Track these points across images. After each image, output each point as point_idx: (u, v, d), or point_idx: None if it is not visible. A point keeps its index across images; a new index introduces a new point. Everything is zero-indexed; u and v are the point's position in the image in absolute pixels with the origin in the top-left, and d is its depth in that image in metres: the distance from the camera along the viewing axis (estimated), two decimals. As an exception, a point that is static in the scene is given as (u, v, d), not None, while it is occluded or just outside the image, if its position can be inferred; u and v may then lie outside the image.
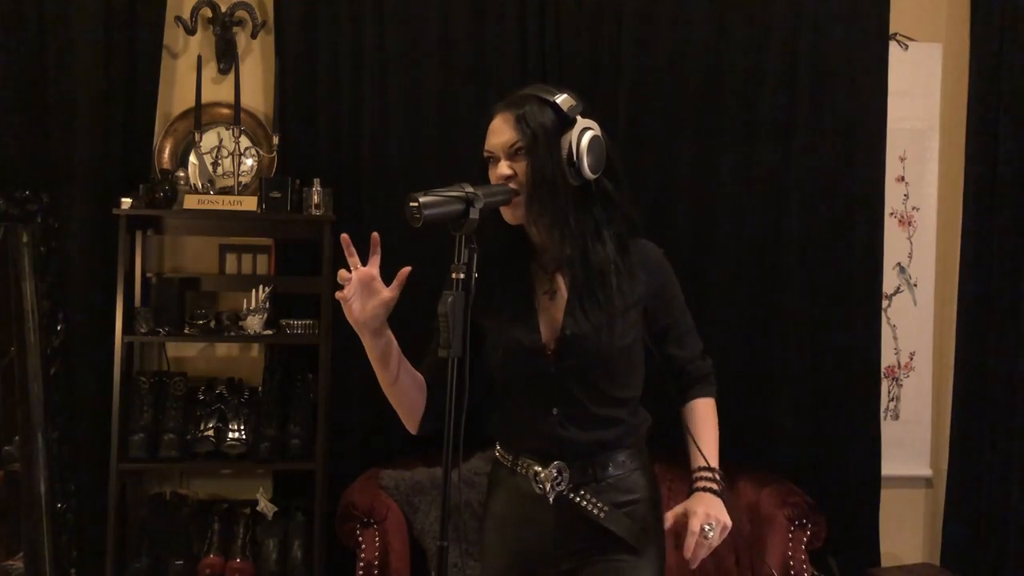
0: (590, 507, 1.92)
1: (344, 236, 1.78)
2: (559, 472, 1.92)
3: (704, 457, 1.95)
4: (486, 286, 1.83)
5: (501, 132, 1.90)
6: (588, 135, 1.86)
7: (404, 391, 1.93)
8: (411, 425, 1.99)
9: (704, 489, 1.91)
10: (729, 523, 1.88)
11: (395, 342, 1.85)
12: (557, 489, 1.92)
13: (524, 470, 1.96)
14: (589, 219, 1.90)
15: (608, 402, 1.93)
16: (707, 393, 2.04)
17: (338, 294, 1.76)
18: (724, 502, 1.91)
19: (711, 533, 1.84)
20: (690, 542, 1.84)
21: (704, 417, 2.01)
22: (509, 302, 1.95)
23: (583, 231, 1.89)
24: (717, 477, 1.92)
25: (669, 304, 2.01)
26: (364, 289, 1.77)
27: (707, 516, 1.86)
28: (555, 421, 1.92)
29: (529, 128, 1.86)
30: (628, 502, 1.95)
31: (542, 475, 1.93)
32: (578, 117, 1.88)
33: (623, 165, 1.98)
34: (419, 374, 1.94)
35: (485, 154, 1.93)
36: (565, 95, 1.89)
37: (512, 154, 1.88)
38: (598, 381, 1.92)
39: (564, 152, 1.86)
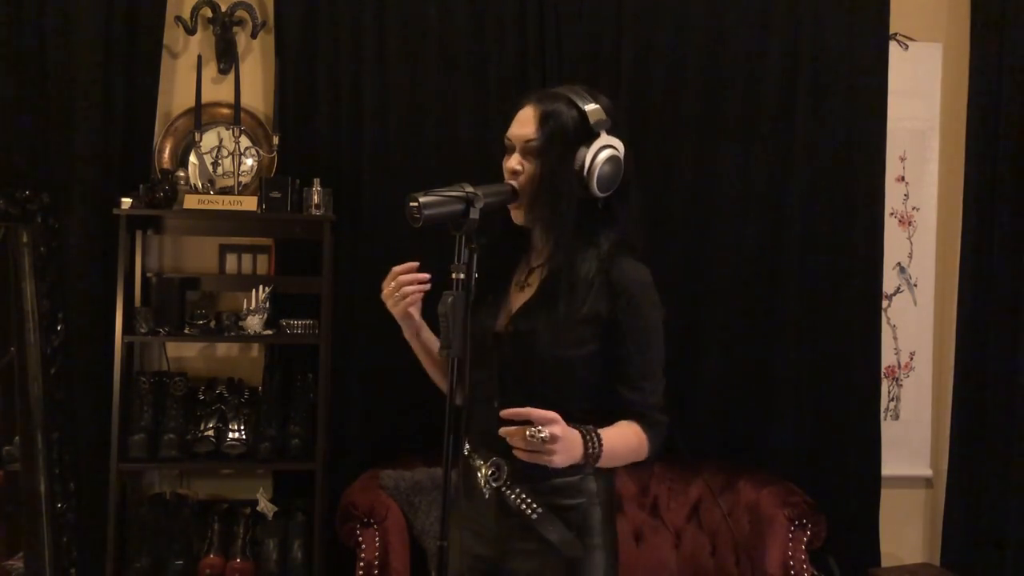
0: (523, 506, 1.87)
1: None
2: (497, 468, 1.88)
3: (606, 433, 1.80)
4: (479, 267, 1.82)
5: (524, 124, 1.88)
6: (605, 154, 1.84)
7: (438, 364, 2.02)
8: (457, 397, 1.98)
9: (581, 431, 1.77)
10: (556, 455, 1.69)
11: (423, 322, 1.96)
12: (494, 485, 1.89)
13: (473, 462, 1.94)
14: (587, 233, 1.88)
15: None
16: (645, 431, 1.86)
17: (408, 289, 1.88)
18: (581, 462, 1.76)
19: (539, 435, 1.67)
20: (523, 429, 1.69)
21: (628, 427, 1.85)
22: (486, 286, 1.92)
23: (576, 244, 1.87)
24: (596, 440, 1.77)
25: (627, 333, 1.85)
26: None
27: (554, 428, 1.69)
28: (495, 413, 1.79)
29: (549, 130, 1.84)
30: (570, 506, 1.87)
31: (481, 469, 1.91)
32: (603, 133, 1.85)
33: (639, 186, 1.95)
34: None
35: (504, 140, 1.92)
36: (596, 106, 1.86)
37: (526, 150, 1.87)
38: (538, 386, 1.86)
39: (576, 164, 1.84)
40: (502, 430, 1.71)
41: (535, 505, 1.87)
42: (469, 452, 1.96)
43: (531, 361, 1.86)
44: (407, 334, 1.96)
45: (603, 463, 1.81)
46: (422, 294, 1.88)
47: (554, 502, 1.87)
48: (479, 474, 1.90)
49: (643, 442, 1.86)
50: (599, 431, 1.79)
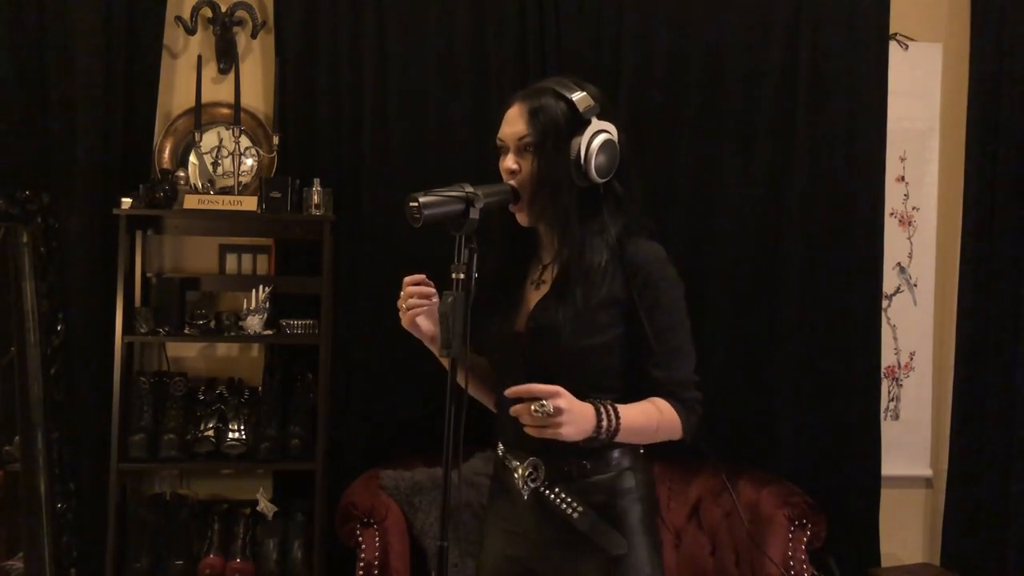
0: (564, 506, 1.87)
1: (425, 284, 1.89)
2: (534, 468, 1.88)
3: (624, 407, 1.80)
4: (487, 272, 1.83)
5: (514, 123, 1.88)
6: (600, 139, 1.84)
7: (476, 377, 2.01)
8: (494, 406, 2.03)
9: (595, 404, 1.77)
10: (564, 426, 1.69)
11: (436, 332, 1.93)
12: (532, 485, 1.89)
13: (509, 464, 1.94)
14: (592, 222, 1.88)
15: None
16: (674, 405, 1.84)
17: (413, 301, 1.87)
18: (595, 434, 1.75)
19: (543, 409, 1.68)
20: (528, 405, 1.70)
21: (653, 402, 1.84)
22: (501, 288, 1.94)
23: (583, 233, 1.87)
24: (611, 413, 1.76)
25: (648, 312, 1.84)
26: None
27: (558, 401, 1.69)
28: None
29: (540, 124, 1.84)
30: (608, 504, 1.87)
31: (519, 470, 1.90)
32: (593, 119, 1.85)
33: (636, 167, 1.95)
34: (482, 359, 2.01)
35: (497, 142, 1.92)
36: (583, 94, 1.86)
37: (520, 148, 1.87)
38: (565, 378, 1.82)
39: (573, 154, 1.84)
40: (511, 409, 1.72)
41: (575, 504, 1.87)
42: (504, 454, 1.97)
43: (555, 355, 1.86)
44: (426, 343, 1.95)
45: (626, 438, 1.80)
46: (426, 306, 1.88)
47: (592, 500, 1.87)
48: (516, 475, 1.90)
49: (673, 418, 1.84)
50: (617, 405, 1.79)
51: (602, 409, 1.76)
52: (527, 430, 1.72)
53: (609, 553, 1.86)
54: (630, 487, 1.89)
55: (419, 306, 1.87)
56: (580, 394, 1.80)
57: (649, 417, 1.83)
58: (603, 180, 1.87)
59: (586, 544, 1.87)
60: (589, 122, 1.84)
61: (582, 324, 1.84)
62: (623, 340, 1.87)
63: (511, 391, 1.72)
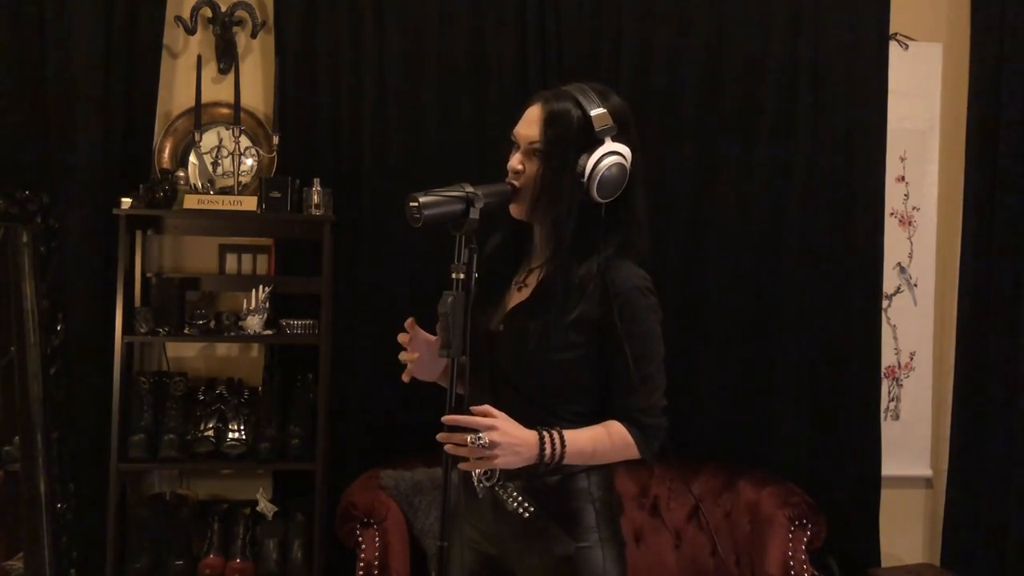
0: (515, 504, 1.87)
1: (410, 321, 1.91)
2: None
3: (572, 433, 1.80)
4: (482, 266, 1.82)
5: (530, 124, 1.87)
6: (608, 161, 1.82)
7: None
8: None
9: (539, 432, 1.78)
10: (499, 458, 1.72)
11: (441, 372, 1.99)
12: (487, 483, 1.89)
13: None
14: (586, 238, 1.85)
15: (545, 412, 1.84)
16: (632, 432, 1.84)
17: (404, 356, 1.91)
18: (537, 462, 1.77)
19: (477, 442, 1.70)
20: (465, 440, 1.72)
21: (606, 427, 1.84)
22: (490, 283, 1.93)
23: (573, 248, 1.85)
24: (555, 440, 1.78)
25: (620, 337, 1.81)
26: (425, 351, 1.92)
27: (492, 434, 1.71)
28: None
29: (552, 134, 1.83)
30: (563, 505, 1.87)
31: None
32: (608, 139, 1.83)
33: (647, 192, 1.93)
34: None
35: (512, 136, 1.91)
36: (603, 110, 1.84)
37: (529, 151, 1.86)
38: (525, 386, 1.86)
39: (578, 169, 1.82)
40: (439, 436, 1.72)
41: (526, 504, 1.87)
42: None
43: (518, 361, 1.87)
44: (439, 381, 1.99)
45: (574, 461, 1.81)
46: (415, 355, 1.91)
47: (547, 501, 1.87)
48: (474, 473, 1.90)
49: (628, 443, 1.84)
50: (564, 432, 1.80)
51: (546, 436, 1.78)
52: (461, 465, 1.74)
53: (560, 552, 1.85)
54: (583, 488, 1.88)
55: (409, 359, 1.91)
56: (546, 408, 1.82)
57: (598, 443, 1.83)
58: (605, 200, 1.85)
59: (539, 541, 1.87)
60: (602, 141, 1.83)
61: (550, 338, 1.83)
62: (591, 360, 1.86)
63: (447, 419, 1.72)
